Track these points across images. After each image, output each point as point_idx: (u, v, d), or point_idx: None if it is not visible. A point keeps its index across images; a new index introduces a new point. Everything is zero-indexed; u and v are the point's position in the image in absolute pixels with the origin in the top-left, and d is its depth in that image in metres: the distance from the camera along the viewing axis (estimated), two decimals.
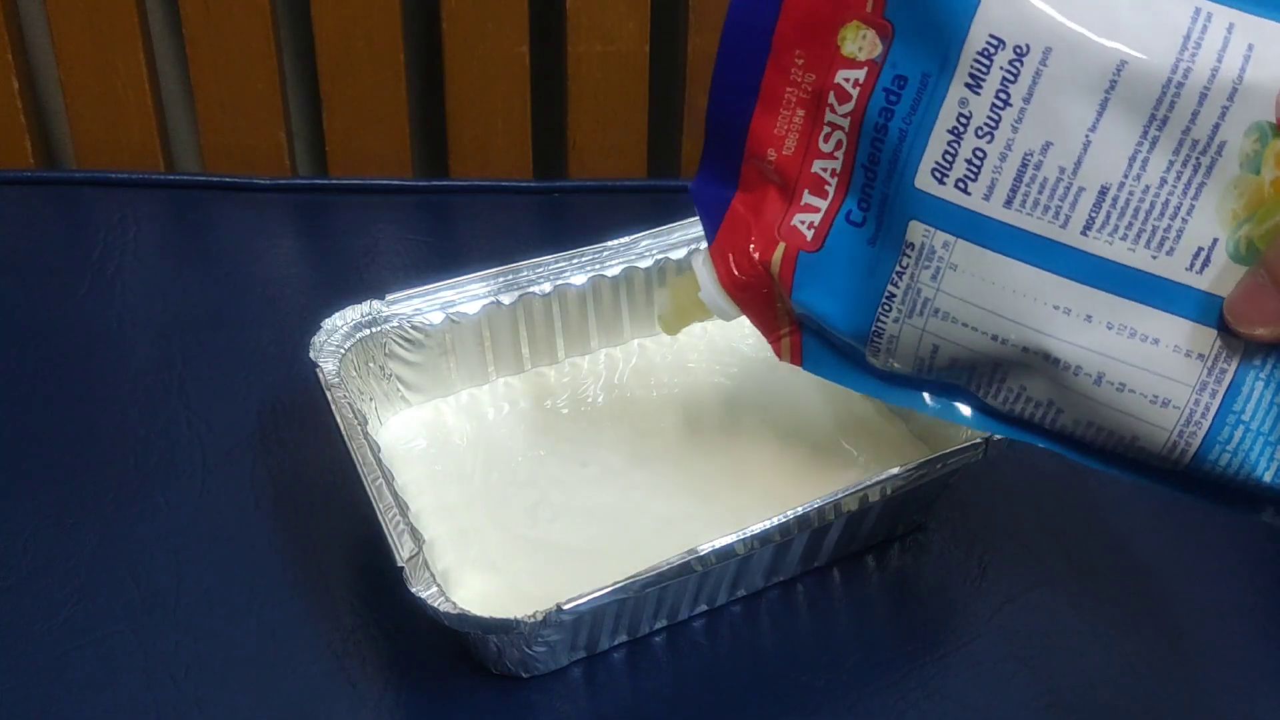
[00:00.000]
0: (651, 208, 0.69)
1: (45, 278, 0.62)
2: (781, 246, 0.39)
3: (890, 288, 0.36)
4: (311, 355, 0.49)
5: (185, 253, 0.65)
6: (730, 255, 0.40)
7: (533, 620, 0.40)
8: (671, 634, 0.46)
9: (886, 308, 0.36)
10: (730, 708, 0.44)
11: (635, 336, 0.57)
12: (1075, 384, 0.34)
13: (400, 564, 0.41)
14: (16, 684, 0.44)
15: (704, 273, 0.42)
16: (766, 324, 0.42)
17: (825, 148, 0.37)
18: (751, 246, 0.40)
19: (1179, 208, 0.32)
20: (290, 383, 0.56)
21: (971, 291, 0.34)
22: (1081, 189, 0.32)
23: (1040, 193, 0.33)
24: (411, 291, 0.52)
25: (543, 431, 0.53)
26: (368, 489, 0.43)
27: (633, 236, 0.56)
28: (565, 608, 0.40)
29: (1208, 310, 0.32)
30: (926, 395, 0.38)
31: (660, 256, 0.56)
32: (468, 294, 0.53)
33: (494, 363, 0.55)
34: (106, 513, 0.50)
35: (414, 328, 0.52)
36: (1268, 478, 0.33)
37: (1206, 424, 0.33)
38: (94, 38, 0.71)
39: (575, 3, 0.70)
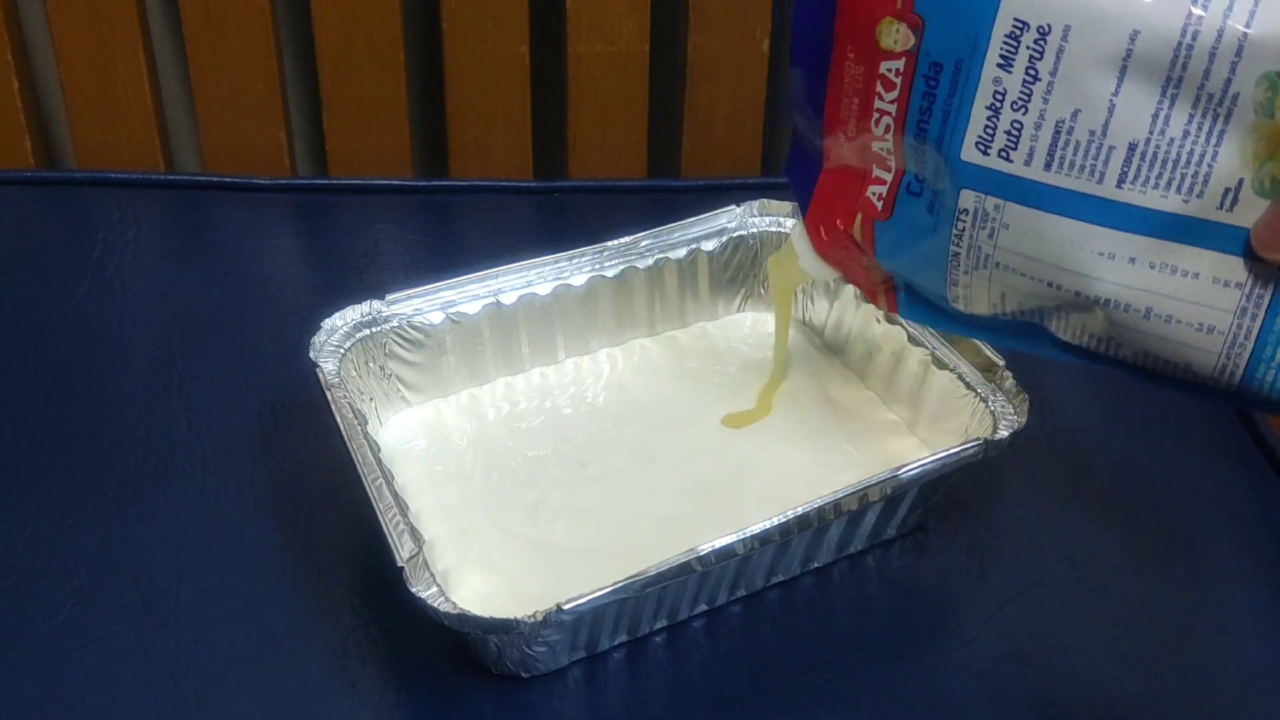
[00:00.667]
0: (651, 208, 0.69)
1: (45, 278, 0.62)
2: (859, 217, 0.44)
3: (953, 248, 0.40)
4: (311, 355, 0.49)
5: (185, 253, 0.65)
6: (820, 226, 0.45)
7: (533, 620, 0.40)
8: (671, 634, 0.46)
9: (955, 264, 0.40)
10: (730, 708, 0.44)
11: (635, 336, 0.57)
12: (1127, 320, 0.37)
13: (400, 564, 0.41)
14: (16, 684, 0.44)
15: (800, 243, 0.47)
16: (862, 282, 0.46)
17: (877, 130, 0.41)
18: (837, 217, 0.45)
19: (1203, 155, 0.35)
20: (290, 383, 0.56)
21: (1025, 246, 0.38)
22: (1112, 148, 0.35)
23: (1075, 154, 0.36)
24: (411, 291, 0.52)
25: (543, 431, 0.53)
26: (368, 489, 0.43)
27: (633, 236, 0.56)
28: (565, 608, 0.40)
29: (1239, 242, 0.35)
30: (1008, 333, 0.42)
31: (660, 256, 0.56)
32: (468, 294, 0.53)
33: (494, 363, 0.55)
34: (106, 513, 0.50)
35: (414, 328, 0.52)
36: None
37: (1250, 344, 0.36)
38: (94, 38, 0.71)
39: (575, 3, 0.70)
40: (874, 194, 0.43)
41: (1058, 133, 0.36)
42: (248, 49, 0.71)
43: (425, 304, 0.52)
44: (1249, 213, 0.35)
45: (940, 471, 0.46)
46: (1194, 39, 0.34)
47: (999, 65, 0.37)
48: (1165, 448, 0.55)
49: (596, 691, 0.44)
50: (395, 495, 0.43)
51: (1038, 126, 0.36)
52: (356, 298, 0.51)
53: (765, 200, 0.58)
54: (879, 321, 0.54)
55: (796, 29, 0.43)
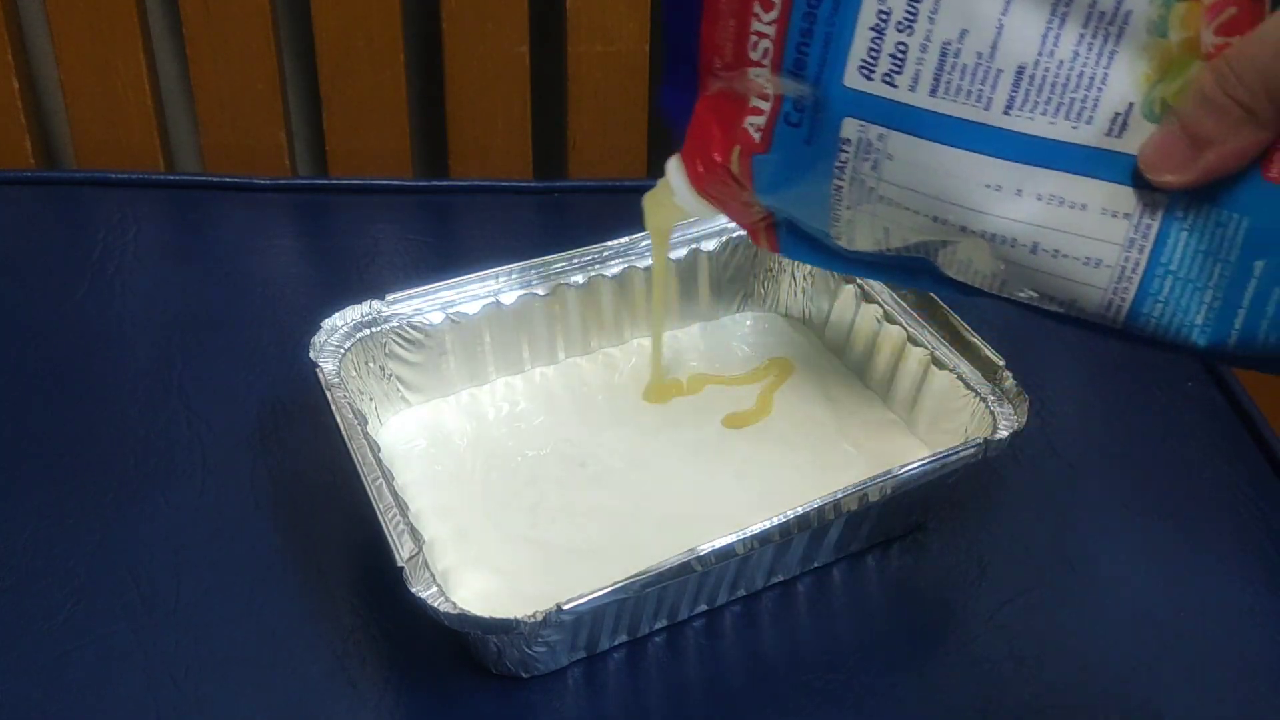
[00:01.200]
0: None
1: (45, 278, 0.62)
2: (737, 149, 0.41)
3: (836, 181, 0.38)
4: (311, 355, 0.49)
5: (185, 253, 0.65)
6: (697, 159, 0.43)
7: (533, 620, 0.40)
8: (671, 634, 0.46)
9: (837, 198, 0.38)
10: (730, 708, 0.44)
11: (635, 336, 0.57)
12: (1014, 255, 0.36)
13: (400, 564, 0.41)
14: (16, 684, 0.44)
15: (676, 177, 0.44)
16: (741, 218, 0.44)
17: (755, 55, 0.39)
18: (713, 149, 0.42)
19: (1093, 78, 0.34)
20: (290, 383, 0.56)
21: (909, 178, 0.36)
22: (1000, 71, 0.34)
23: (962, 79, 0.35)
24: (411, 291, 0.52)
25: (542, 431, 0.53)
26: (368, 489, 0.43)
27: (632, 236, 0.56)
28: (565, 608, 0.40)
29: (1128, 171, 0.34)
30: (893, 271, 0.41)
31: None
32: (468, 294, 0.53)
33: (494, 363, 0.55)
34: (106, 513, 0.50)
35: (414, 328, 0.52)
36: (1199, 320, 0.34)
37: (1138, 278, 0.35)
38: (94, 38, 0.71)
39: (575, 3, 0.70)
40: (751, 125, 0.40)
41: (944, 55, 0.35)
42: (248, 49, 0.71)
43: (425, 304, 0.52)
44: (1138, 139, 0.34)
45: (940, 471, 0.46)
46: None
47: None
48: (1165, 448, 0.55)
49: (596, 691, 0.44)
50: (395, 495, 0.43)
51: (923, 49, 0.35)
52: (356, 298, 0.51)
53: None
54: (879, 321, 0.54)
55: None
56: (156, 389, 0.56)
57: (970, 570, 0.49)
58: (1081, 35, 0.33)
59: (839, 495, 0.44)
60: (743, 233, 0.57)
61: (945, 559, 0.49)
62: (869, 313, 0.55)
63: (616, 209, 0.70)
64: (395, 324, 0.52)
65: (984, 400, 0.48)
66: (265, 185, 0.70)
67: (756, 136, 0.40)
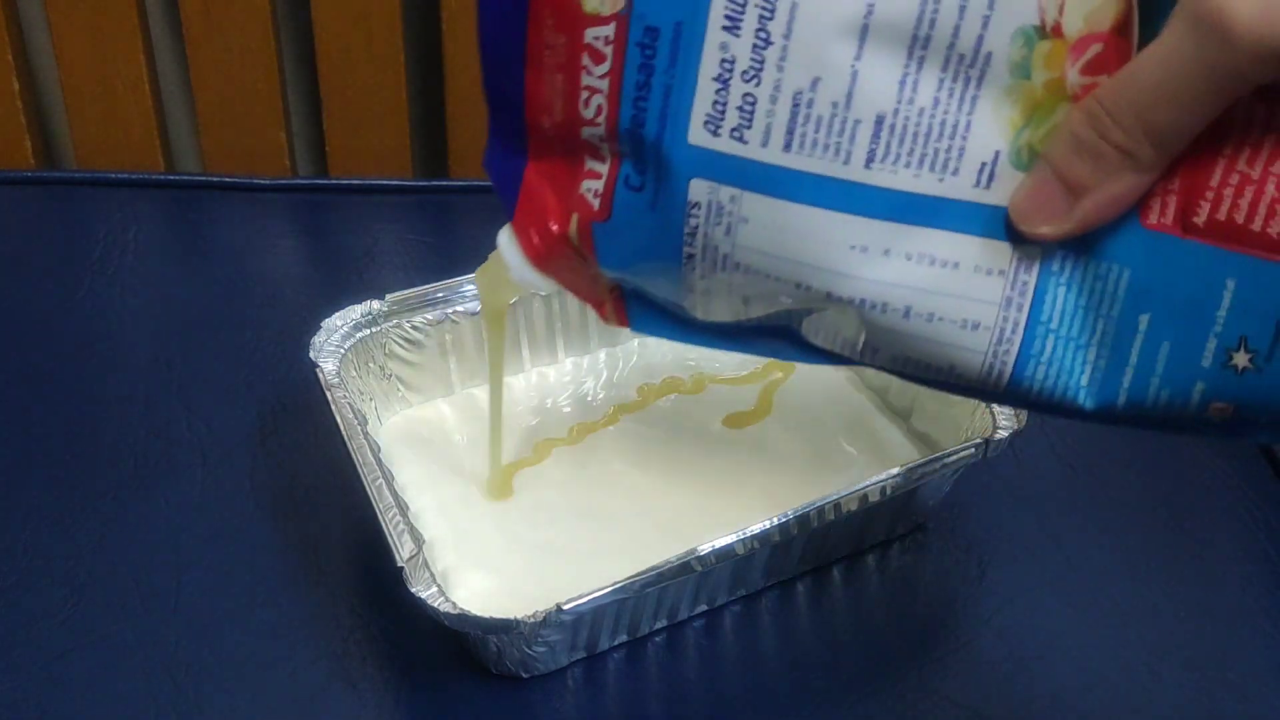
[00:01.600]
0: None
1: (45, 278, 0.62)
2: (575, 217, 0.37)
3: (686, 248, 0.35)
4: (311, 355, 0.49)
5: (185, 253, 0.65)
6: (530, 229, 0.39)
7: (533, 620, 0.40)
8: (671, 634, 0.46)
9: (689, 267, 0.35)
10: (730, 708, 0.44)
11: (635, 336, 0.57)
12: (885, 321, 0.33)
13: (400, 564, 0.41)
14: (16, 684, 0.44)
15: (510, 250, 0.40)
16: (585, 293, 0.40)
17: (587, 113, 0.35)
18: (549, 218, 0.38)
19: (956, 125, 0.31)
20: (290, 383, 0.56)
21: (767, 242, 0.34)
22: (858, 121, 0.32)
23: (817, 131, 0.32)
24: (411, 291, 0.52)
25: (542, 431, 0.53)
26: (368, 489, 0.43)
27: None
28: (565, 608, 0.40)
29: (1000, 224, 0.32)
30: (755, 341, 0.38)
31: None
32: (468, 294, 0.53)
33: None
34: (106, 513, 0.50)
35: (414, 328, 0.52)
36: (1084, 380, 0.33)
37: (1018, 339, 0.33)
38: (94, 38, 0.71)
39: None
40: (589, 190, 0.37)
41: (796, 106, 0.32)
42: (248, 49, 0.71)
43: (425, 304, 0.52)
44: (1008, 189, 0.31)
45: (940, 471, 0.46)
46: None
47: (725, 28, 0.32)
48: (1165, 448, 0.55)
49: (596, 691, 0.44)
50: (395, 495, 0.43)
51: (773, 100, 0.32)
52: (356, 298, 0.51)
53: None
54: None
55: None
56: (156, 388, 0.56)
57: (970, 570, 0.49)
58: (941, 80, 0.31)
59: (839, 495, 0.44)
60: None
61: (945, 559, 0.49)
62: None
63: None
64: (395, 324, 0.52)
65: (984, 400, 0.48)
66: (265, 185, 0.70)
67: (595, 203, 0.37)
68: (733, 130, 0.33)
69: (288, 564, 0.48)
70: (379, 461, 0.44)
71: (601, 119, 0.35)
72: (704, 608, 0.47)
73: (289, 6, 0.75)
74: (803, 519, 0.43)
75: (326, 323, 0.50)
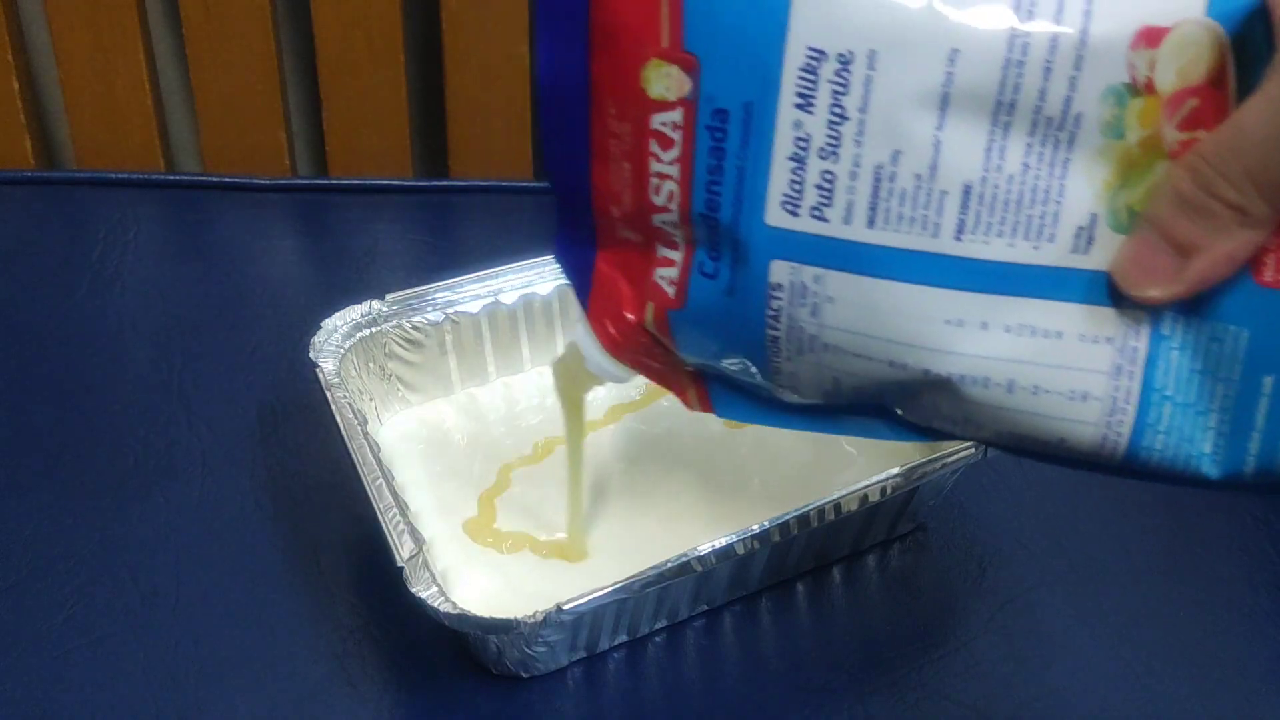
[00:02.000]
0: None
1: (45, 278, 0.62)
2: (651, 306, 0.36)
3: (770, 332, 0.34)
4: (311, 355, 0.49)
5: (185, 253, 0.65)
6: (606, 320, 0.38)
7: (533, 620, 0.40)
8: (671, 634, 0.46)
9: (774, 350, 0.34)
10: (730, 708, 0.44)
11: None
12: (987, 397, 0.32)
13: (400, 564, 0.41)
14: (16, 684, 0.44)
15: (587, 343, 0.39)
16: (666, 380, 0.39)
17: (658, 200, 0.34)
18: (624, 308, 0.37)
19: (1048, 191, 0.30)
20: (290, 383, 0.56)
21: (855, 321, 0.32)
22: (944, 193, 0.30)
23: (902, 205, 0.31)
24: (411, 291, 0.52)
25: (542, 431, 0.53)
26: (368, 489, 0.43)
27: None
28: (565, 608, 0.40)
29: (1102, 290, 0.31)
30: (848, 420, 0.36)
31: None
32: (468, 294, 0.53)
33: (494, 363, 0.55)
34: (106, 513, 0.50)
35: (414, 328, 0.52)
36: (1207, 449, 0.31)
37: (1132, 409, 0.31)
38: (94, 38, 0.71)
39: None
40: (663, 278, 0.35)
41: (878, 181, 0.31)
42: (248, 49, 0.71)
43: (425, 304, 0.52)
44: (1107, 253, 0.30)
45: (940, 471, 0.46)
46: (1024, 53, 0.29)
47: (798, 106, 0.31)
48: None
49: (596, 692, 0.44)
50: (395, 495, 0.43)
51: (853, 176, 0.31)
52: (356, 298, 0.51)
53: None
54: None
55: (542, 79, 0.34)
56: (156, 389, 0.56)
57: (970, 570, 0.49)
58: (1029, 145, 0.30)
59: (839, 495, 0.44)
60: None
61: (945, 559, 0.49)
62: None
63: None
64: (395, 324, 0.52)
65: None
66: (265, 185, 0.70)
67: (670, 291, 0.35)
68: (812, 209, 0.32)
69: (288, 564, 0.48)
70: (379, 461, 0.44)
71: (674, 205, 0.34)
72: (704, 608, 0.47)
73: (289, 6, 0.75)
74: (803, 519, 0.43)
75: (326, 323, 0.51)
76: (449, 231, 0.68)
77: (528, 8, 0.71)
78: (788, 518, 0.43)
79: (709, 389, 0.38)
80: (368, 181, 0.70)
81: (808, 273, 0.32)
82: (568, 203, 0.36)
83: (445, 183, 0.71)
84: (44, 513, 0.50)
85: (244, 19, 0.70)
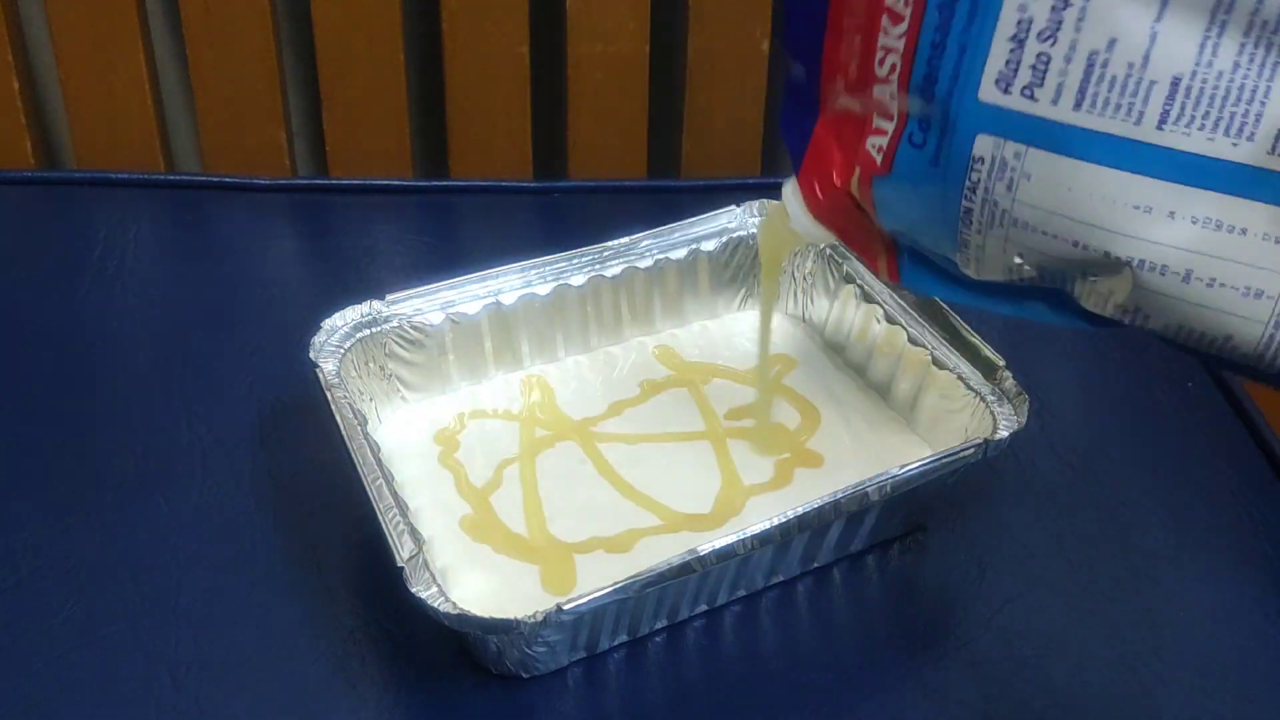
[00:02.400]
0: (651, 208, 0.68)
1: (45, 278, 0.62)
2: (857, 171, 0.39)
3: (965, 203, 0.36)
4: (311, 355, 0.49)
5: (185, 253, 0.65)
6: (815, 182, 0.41)
7: (533, 620, 0.40)
8: (671, 634, 0.46)
9: (966, 222, 0.36)
10: (730, 708, 0.44)
11: (635, 335, 0.57)
12: (1163, 285, 0.33)
13: (400, 564, 0.41)
14: (16, 684, 0.44)
15: (793, 201, 0.42)
16: (861, 245, 0.42)
17: (880, 72, 0.37)
18: (833, 172, 0.40)
19: (1255, 91, 0.31)
20: (290, 383, 0.56)
21: (1048, 199, 0.34)
22: (1153, 83, 0.32)
23: (1110, 91, 0.32)
24: (411, 291, 0.52)
25: (543, 430, 0.53)
26: (368, 489, 0.43)
27: (632, 236, 0.56)
28: (565, 608, 0.40)
29: None
30: (1023, 301, 0.38)
31: (660, 256, 0.56)
32: (468, 294, 0.53)
33: (494, 362, 0.55)
34: (106, 513, 0.50)
35: (414, 328, 0.52)
36: None
37: None
38: (94, 38, 0.71)
39: (575, 3, 0.70)
40: (873, 145, 0.38)
41: (1090, 66, 0.32)
42: (248, 49, 0.71)
43: (425, 304, 0.52)
44: None
45: (940, 471, 0.46)
46: None
47: None
48: (1165, 448, 0.55)
49: (596, 692, 0.44)
50: (395, 495, 0.43)
51: (1068, 59, 0.32)
52: (356, 298, 0.51)
53: (765, 200, 0.58)
54: (879, 321, 0.54)
55: None
56: (156, 389, 0.56)
57: (970, 570, 0.49)
58: (1242, 45, 0.31)
59: (839, 495, 0.44)
60: (742, 233, 0.58)
61: (945, 559, 0.49)
62: (869, 313, 0.55)
63: (616, 209, 0.70)
64: (395, 324, 0.52)
65: (984, 400, 0.48)
66: (265, 185, 0.70)
67: (878, 158, 0.38)
68: (1024, 88, 0.33)
69: (288, 564, 0.48)
70: (379, 461, 0.44)
71: (894, 77, 0.36)
72: (704, 608, 0.47)
73: (289, 6, 0.75)
74: (803, 519, 0.43)
75: (326, 323, 0.51)
76: (449, 231, 0.68)
77: (528, 8, 0.71)
78: (788, 518, 0.43)
79: (899, 258, 0.41)
80: (368, 181, 0.70)
81: (1010, 149, 0.34)
82: (798, 76, 0.40)
83: (445, 183, 0.71)
84: (44, 513, 0.50)
85: (244, 19, 0.70)
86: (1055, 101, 0.33)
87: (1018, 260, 0.36)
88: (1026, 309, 0.38)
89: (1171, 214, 0.32)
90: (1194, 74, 0.31)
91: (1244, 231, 0.32)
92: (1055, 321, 0.38)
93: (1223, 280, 0.32)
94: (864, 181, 0.39)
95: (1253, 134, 0.31)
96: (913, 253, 0.40)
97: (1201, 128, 0.32)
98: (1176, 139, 0.32)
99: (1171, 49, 0.31)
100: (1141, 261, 0.33)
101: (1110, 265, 0.34)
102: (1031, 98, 0.33)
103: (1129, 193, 0.33)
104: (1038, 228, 0.35)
